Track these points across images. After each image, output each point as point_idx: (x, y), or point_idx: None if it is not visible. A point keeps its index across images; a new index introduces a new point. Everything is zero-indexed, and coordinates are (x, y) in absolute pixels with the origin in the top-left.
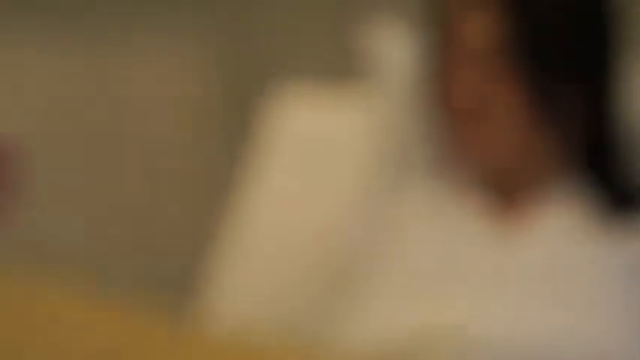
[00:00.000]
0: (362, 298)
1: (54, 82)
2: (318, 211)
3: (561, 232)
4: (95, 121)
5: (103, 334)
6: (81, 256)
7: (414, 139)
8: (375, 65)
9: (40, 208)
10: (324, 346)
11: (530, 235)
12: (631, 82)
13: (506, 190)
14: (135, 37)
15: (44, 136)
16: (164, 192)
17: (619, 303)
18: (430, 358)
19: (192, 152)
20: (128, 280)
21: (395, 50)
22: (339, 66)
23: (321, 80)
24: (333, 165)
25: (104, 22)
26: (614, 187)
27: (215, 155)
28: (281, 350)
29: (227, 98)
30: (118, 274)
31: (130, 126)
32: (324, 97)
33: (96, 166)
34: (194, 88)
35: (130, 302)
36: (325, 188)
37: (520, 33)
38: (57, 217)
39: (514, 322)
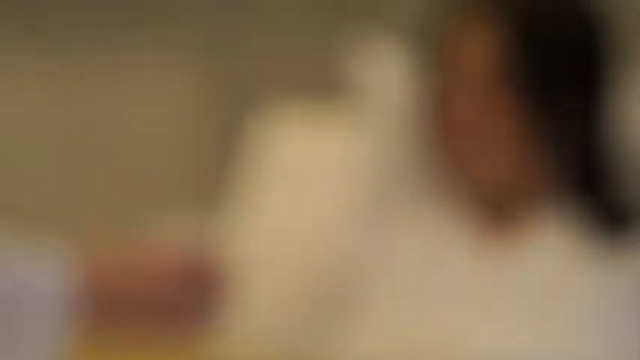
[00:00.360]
0: (352, 318)
1: (43, 99)
2: (307, 232)
3: (555, 252)
4: (79, 140)
5: None
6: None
7: (405, 158)
8: (363, 84)
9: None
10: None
11: (523, 255)
12: (628, 104)
13: (500, 209)
14: (122, 57)
15: (32, 150)
16: (156, 202)
17: (611, 323)
18: None
19: (179, 170)
20: None
21: (384, 68)
22: (328, 85)
23: (309, 99)
24: (321, 185)
25: (92, 40)
26: (609, 206)
27: (201, 175)
28: None
29: (213, 118)
30: None
31: (114, 147)
32: (312, 116)
33: (78, 187)
34: (180, 107)
35: None
36: (313, 209)
37: (518, 54)
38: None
39: (506, 342)
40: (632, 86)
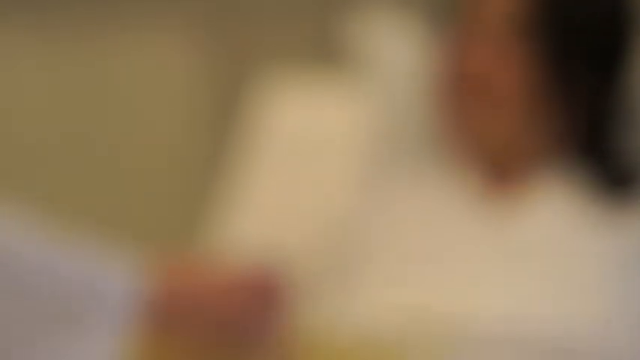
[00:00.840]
0: (356, 282)
1: (41, 75)
2: (310, 198)
3: (558, 212)
4: (80, 113)
5: None
6: None
7: (407, 122)
8: (365, 48)
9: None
10: (317, 327)
11: (526, 215)
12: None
13: (504, 168)
14: (120, 26)
15: (32, 128)
16: (154, 182)
17: (612, 284)
18: (424, 339)
19: (180, 141)
20: None
21: (385, 32)
22: (328, 52)
23: (310, 67)
24: (323, 151)
25: (90, 12)
26: (614, 169)
27: (202, 147)
28: None
29: (213, 87)
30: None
31: (114, 117)
32: (313, 84)
33: (82, 160)
34: (180, 77)
35: None
36: (317, 175)
37: (540, 8)
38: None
39: (508, 303)
40: None
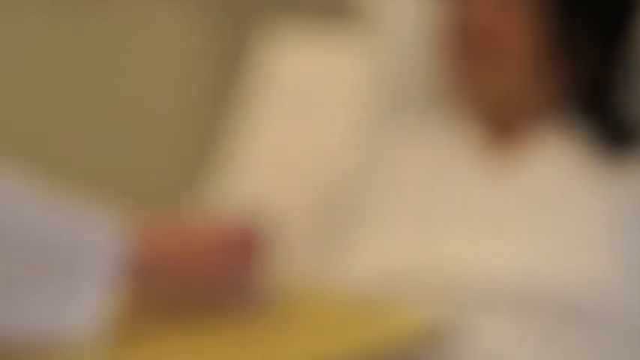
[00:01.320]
0: (357, 235)
1: (45, 33)
2: (314, 147)
3: (560, 166)
4: (84, 71)
5: None
6: None
7: (410, 74)
8: (369, 2)
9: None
10: (319, 281)
11: (528, 169)
12: None
13: (506, 123)
14: None
15: (39, 92)
16: (158, 135)
17: (613, 237)
18: (426, 293)
19: (185, 93)
20: None
21: None
22: (333, 5)
23: (314, 20)
24: (327, 102)
25: None
26: (614, 123)
27: (207, 98)
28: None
29: (217, 41)
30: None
31: (117, 74)
32: (317, 37)
33: (83, 118)
34: (183, 32)
35: None
36: (320, 125)
37: None
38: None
39: (509, 256)
40: None
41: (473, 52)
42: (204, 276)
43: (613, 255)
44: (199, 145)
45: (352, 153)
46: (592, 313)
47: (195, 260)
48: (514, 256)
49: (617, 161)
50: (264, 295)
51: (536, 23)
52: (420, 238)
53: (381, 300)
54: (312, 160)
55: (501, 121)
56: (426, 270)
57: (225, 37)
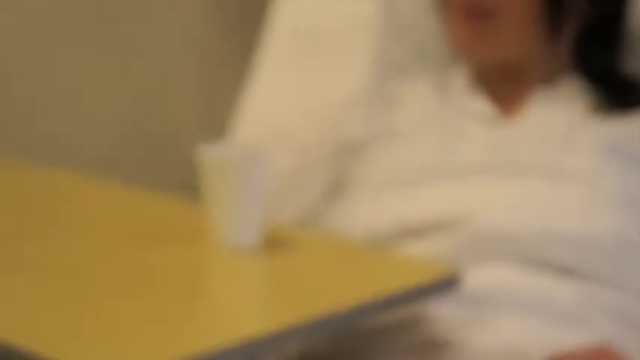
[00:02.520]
0: (361, 187)
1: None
2: (323, 94)
3: (560, 125)
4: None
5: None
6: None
7: (415, 22)
8: None
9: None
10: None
11: (528, 128)
12: None
13: (507, 85)
14: None
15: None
16: (175, 79)
17: (615, 190)
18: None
19: (203, 42)
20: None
21: None
22: None
23: None
24: (333, 46)
25: None
26: (613, 86)
27: (227, 44)
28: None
29: None
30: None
31: (138, 18)
32: None
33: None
34: None
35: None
36: (330, 71)
37: None
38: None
39: (520, 214)
40: None
41: (468, 20)
42: None
43: (612, 206)
44: (219, 96)
45: (361, 98)
46: (602, 252)
47: None
48: (522, 212)
49: (620, 116)
50: None
51: None
52: (428, 196)
53: (390, 249)
54: (322, 104)
55: (504, 82)
56: (437, 226)
57: None
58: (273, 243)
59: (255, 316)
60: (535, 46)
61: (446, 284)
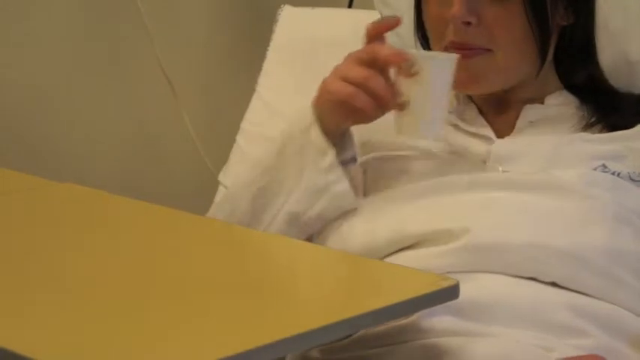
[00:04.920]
0: (360, 199)
1: None
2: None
3: (550, 141)
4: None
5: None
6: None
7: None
8: None
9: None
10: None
11: (520, 145)
12: None
13: (499, 105)
14: None
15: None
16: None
17: (605, 206)
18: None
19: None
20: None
21: None
22: None
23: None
24: (328, 53)
25: None
26: (602, 98)
27: (236, 44)
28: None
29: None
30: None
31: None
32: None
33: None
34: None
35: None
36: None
37: None
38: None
39: (504, 226)
40: None
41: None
42: None
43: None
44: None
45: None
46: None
47: None
48: (511, 216)
49: (608, 129)
50: None
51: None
52: (422, 208)
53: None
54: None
55: (500, 107)
56: (428, 236)
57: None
58: (275, 253)
59: (248, 327)
60: (531, 69)
61: (445, 295)
